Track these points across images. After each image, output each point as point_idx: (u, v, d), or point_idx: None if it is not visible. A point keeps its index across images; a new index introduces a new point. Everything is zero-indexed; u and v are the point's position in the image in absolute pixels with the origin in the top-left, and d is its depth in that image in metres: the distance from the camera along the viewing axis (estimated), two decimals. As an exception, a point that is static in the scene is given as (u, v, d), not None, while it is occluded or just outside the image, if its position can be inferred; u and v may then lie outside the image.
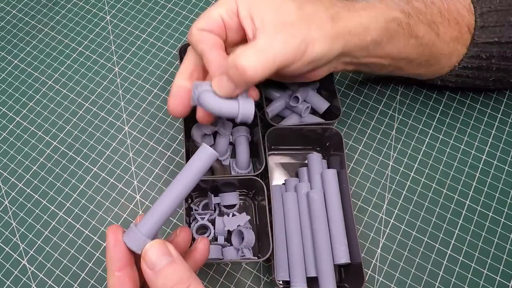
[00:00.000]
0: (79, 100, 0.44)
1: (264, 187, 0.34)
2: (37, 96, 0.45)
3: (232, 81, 0.29)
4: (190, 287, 0.23)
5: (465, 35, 0.34)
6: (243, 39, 0.32)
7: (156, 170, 0.41)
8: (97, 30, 0.48)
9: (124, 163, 0.41)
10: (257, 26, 0.29)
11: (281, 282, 0.35)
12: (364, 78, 0.44)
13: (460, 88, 0.42)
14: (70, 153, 0.42)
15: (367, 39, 0.31)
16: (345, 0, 0.32)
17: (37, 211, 0.39)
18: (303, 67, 0.31)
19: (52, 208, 0.39)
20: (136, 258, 0.25)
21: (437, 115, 0.42)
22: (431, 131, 0.41)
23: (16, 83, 0.45)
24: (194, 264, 0.28)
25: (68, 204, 0.39)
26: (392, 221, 0.38)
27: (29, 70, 0.46)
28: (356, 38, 0.31)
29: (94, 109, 0.44)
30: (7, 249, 0.38)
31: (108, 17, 0.49)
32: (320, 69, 0.34)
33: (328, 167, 0.38)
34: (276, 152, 0.40)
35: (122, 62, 0.46)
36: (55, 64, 0.46)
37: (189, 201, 0.36)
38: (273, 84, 0.42)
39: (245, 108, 0.30)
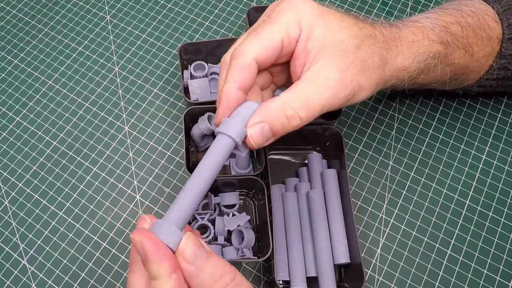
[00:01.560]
0: (79, 100, 0.44)
1: (264, 187, 0.34)
2: (37, 96, 0.45)
3: (272, 132, 0.27)
4: (236, 275, 0.22)
5: (496, 48, 0.34)
6: (283, 64, 0.30)
7: (156, 170, 0.41)
8: (97, 30, 0.48)
9: (124, 163, 0.41)
10: (309, 61, 0.28)
11: (281, 282, 0.35)
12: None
13: (480, 95, 0.42)
14: (70, 153, 0.42)
15: (405, 77, 0.31)
16: (393, 28, 0.31)
17: (37, 211, 0.39)
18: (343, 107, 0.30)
19: (52, 208, 0.39)
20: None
21: (437, 115, 0.42)
22: (431, 131, 0.41)
23: (16, 83, 0.45)
24: None
25: (68, 204, 0.39)
26: (392, 221, 0.38)
27: (29, 70, 0.46)
28: (395, 79, 0.31)
29: (94, 109, 0.44)
30: (7, 249, 0.38)
31: (108, 17, 0.49)
32: None
33: (328, 167, 0.38)
34: (276, 152, 0.40)
35: (122, 62, 0.46)
36: (55, 64, 0.46)
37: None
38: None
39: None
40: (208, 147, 0.39)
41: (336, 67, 0.27)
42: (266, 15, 0.30)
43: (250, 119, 0.27)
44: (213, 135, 0.40)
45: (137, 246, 0.22)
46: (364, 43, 0.28)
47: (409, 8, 0.48)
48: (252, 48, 0.27)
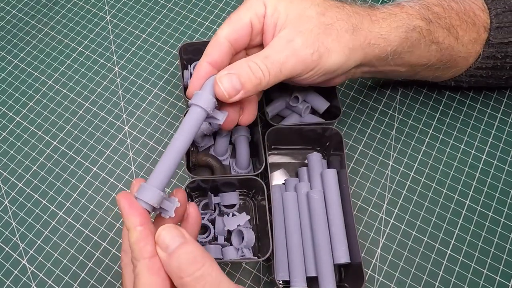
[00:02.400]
0: (79, 100, 0.44)
1: (264, 187, 0.34)
2: (37, 96, 0.45)
3: (240, 81, 0.29)
4: (204, 265, 0.23)
5: (482, 35, 0.34)
6: (261, 45, 0.33)
7: (156, 170, 0.40)
8: (97, 30, 0.48)
9: (124, 163, 0.41)
10: (277, 31, 0.30)
11: (281, 282, 0.35)
12: (373, 82, 0.44)
13: (472, 87, 0.42)
14: (70, 153, 0.42)
15: (387, 49, 0.31)
16: (367, 7, 0.32)
17: (37, 211, 0.39)
18: (316, 77, 0.31)
19: (52, 208, 0.39)
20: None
21: (437, 115, 0.42)
22: (431, 131, 0.41)
23: (16, 83, 0.45)
24: (191, 230, 0.28)
25: (68, 204, 0.39)
26: (392, 221, 0.38)
27: (29, 70, 0.46)
28: (376, 49, 0.31)
29: (94, 109, 0.44)
30: (7, 249, 0.38)
31: (108, 17, 0.49)
32: (337, 78, 0.34)
33: (328, 167, 0.38)
34: (276, 152, 0.40)
35: (122, 62, 0.46)
36: (55, 64, 0.46)
37: (189, 201, 0.36)
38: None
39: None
40: (209, 147, 0.40)
41: (297, 31, 0.29)
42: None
43: (220, 71, 0.30)
44: (213, 135, 0.40)
45: (118, 205, 0.25)
46: (328, 11, 0.30)
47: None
48: (223, 30, 0.31)
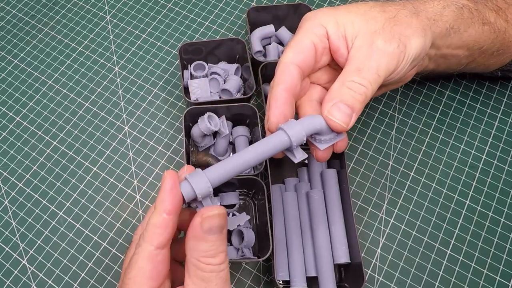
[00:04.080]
0: (79, 100, 0.44)
1: (264, 187, 0.34)
2: (37, 96, 0.45)
3: (348, 106, 0.29)
4: (223, 264, 0.24)
5: None
6: (331, 61, 0.33)
7: (156, 170, 0.41)
8: (97, 30, 0.48)
9: (124, 163, 0.41)
10: (350, 42, 0.30)
11: (281, 282, 0.35)
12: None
13: None
14: (70, 153, 0.42)
15: (447, 25, 0.32)
16: None
17: (37, 211, 0.39)
18: (406, 68, 0.31)
19: (52, 208, 0.39)
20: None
21: (437, 115, 0.42)
22: (431, 131, 0.41)
23: (16, 83, 0.45)
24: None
25: (68, 204, 0.39)
26: (392, 221, 0.38)
27: (29, 70, 0.46)
28: (439, 26, 0.32)
29: (94, 109, 0.44)
30: (7, 249, 0.38)
31: (108, 17, 0.49)
32: (411, 70, 0.34)
33: (328, 167, 0.38)
34: (276, 152, 0.40)
35: (122, 62, 0.46)
36: (55, 64, 0.46)
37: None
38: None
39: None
40: (209, 147, 0.40)
41: (372, 33, 0.30)
42: None
43: (323, 106, 0.29)
44: (213, 135, 0.40)
45: (162, 181, 0.24)
46: (385, 7, 0.31)
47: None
48: (287, 55, 0.31)
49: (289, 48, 0.31)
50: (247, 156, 0.26)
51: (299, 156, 0.28)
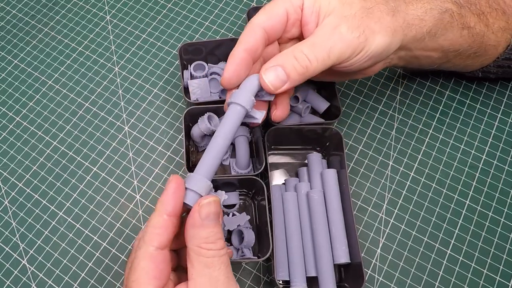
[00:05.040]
0: (79, 100, 0.44)
1: (264, 187, 0.34)
2: (37, 96, 0.45)
3: (285, 72, 0.30)
4: (223, 249, 0.25)
5: (511, 26, 0.35)
6: (300, 35, 0.33)
7: (156, 170, 0.41)
8: (97, 30, 0.48)
9: (124, 163, 0.41)
10: (321, 20, 0.30)
11: (281, 282, 0.35)
12: (373, 82, 0.44)
13: (500, 78, 0.42)
14: (70, 153, 0.42)
15: (423, 30, 0.32)
16: None
17: (37, 211, 0.39)
18: (362, 62, 0.31)
19: (52, 208, 0.39)
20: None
21: (437, 115, 0.42)
22: (431, 131, 0.41)
23: (16, 83, 0.45)
24: None
25: (68, 204, 0.39)
26: (392, 221, 0.38)
27: (29, 70, 0.46)
28: (413, 30, 0.32)
29: (94, 109, 0.44)
30: (7, 249, 0.38)
31: (108, 17, 0.49)
32: (377, 64, 0.34)
33: (328, 167, 0.38)
34: (276, 152, 0.40)
35: (122, 62, 0.46)
36: (55, 64, 0.46)
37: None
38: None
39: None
40: (204, 149, 0.40)
41: (341, 16, 0.30)
42: None
43: (264, 65, 0.30)
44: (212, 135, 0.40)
45: (166, 185, 0.25)
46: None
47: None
48: (258, 17, 0.31)
49: (262, 10, 0.32)
50: (221, 141, 0.28)
51: (258, 116, 0.30)
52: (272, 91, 0.30)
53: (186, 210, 0.26)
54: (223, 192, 0.28)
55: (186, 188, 0.26)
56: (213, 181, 0.35)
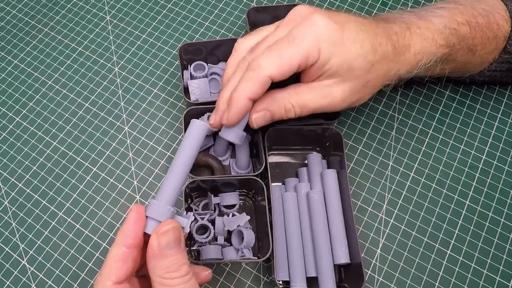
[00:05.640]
0: (79, 100, 0.44)
1: (264, 187, 0.34)
2: (37, 96, 0.45)
3: (271, 117, 0.33)
4: (187, 274, 0.24)
5: (500, 45, 0.35)
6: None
7: (156, 170, 0.41)
8: (97, 30, 0.48)
9: (124, 163, 0.41)
10: (321, 78, 0.32)
11: (281, 282, 0.35)
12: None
13: (486, 83, 0.43)
14: (70, 153, 0.42)
15: (412, 71, 0.34)
16: (404, 26, 0.33)
17: (37, 211, 0.39)
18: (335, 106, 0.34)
19: (52, 208, 0.39)
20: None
21: (437, 115, 0.42)
22: (431, 131, 0.41)
23: (16, 83, 0.45)
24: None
25: (68, 204, 0.39)
26: (392, 221, 0.38)
27: (29, 70, 0.46)
28: (405, 71, 0.34)
29: (94, 109, 0.44)
30: (7, 249, 0.38)
31: (108, 17, 0.49)
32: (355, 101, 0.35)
33: (328, 167, 0.38)
34: (276, 152, 0.40)
35: (122, 62, 0.46)
36: (55, 64, 0.46)
37: (189, 201, 0.36)
38: (272, 84, 0.42)
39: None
40: (208, 147, 0.40)
41: (341, 88, 0.32)
42: (288, 27, 0.32)
43: (255, 105, 0.32)
44: (212, 136, 0.40)
45: (127, 214, 0.25)
46: (374, 67, 0.32)
47: (409, 8, 0.48)
48: (270, 66, 0.30)
49: (278, 58, 0.30)
50: (181, 162, 0.26)
51: (232, 134, 0.32)
52: (253, 127, 0.33)
53: (148, 239, 0.25)
54: (190, 213, 0.26)
55: (146, 217, 0.25)
56: (213, 181, 0.35)
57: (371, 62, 0.31)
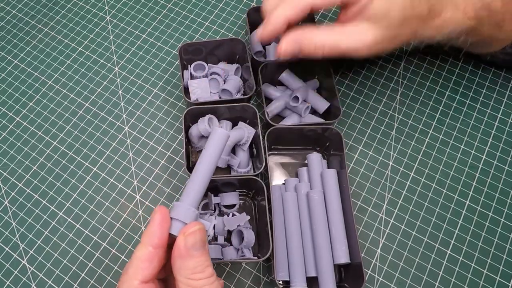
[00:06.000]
0: (79, 100, 0.44)
1: (264, 187, 0.34)
2: (37, 96, 0.45)
3: (301, 49, 0.34)
4: (212, 276, 0.25)
5: None
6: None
7: (156, 170, 0.41)
8: (97, 30, 0.48)
9: (124, 163, 0.41)
10: (359, 18, 0.33)
11: (281, 282, 0.35)
12: (373, 82, 0.44)
13: (505, 66, 0.43)
14: (70, 153, 0.42)
15: (436, 37, 0.35)
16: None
17: (37, 211, 0.39)
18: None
19: (52, 208, 0.39)
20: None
21: (437, 115, 0.42)
22: (431, 131, 0.41)
23: (16, 83, 0.45)
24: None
25: (68, 204, 0.39)
26: (392, 221, 0.38)
27: (29, 70, 0.46)
28: (430, 34, 0.35)
29: (94, 109, 0.44)
30: (7, 249, 0.38)
31: (108, 17, 0.49)
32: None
33: (328, 167, 0.38)
34: (276, 152, 0.40)
35: (122, 62, 0.46)
36: (55, 64, 0.46)
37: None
38: (273, 84, 0.42)
39: None
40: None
41: (374, 33, 0.33)
42: None
43: (288, 33, 0.34)
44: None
45: (151, 216, 0.25)
46: (407, 22, 0.33)
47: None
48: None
49: None
50: (205, 166, 0.27)
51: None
52: (279, 54, 0.34)
53: (172, 240, 0.25)
54: (213, 217, 0.27)
55: (171, 218, 0.25)
56: (213, 181, 0.35)
57: (406, 16, 0.32)
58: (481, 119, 0.42)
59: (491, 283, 0.35)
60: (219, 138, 0.27)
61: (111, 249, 0.37)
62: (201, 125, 0.37)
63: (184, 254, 0.24)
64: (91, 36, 0.48)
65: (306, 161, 0.39)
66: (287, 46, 0.34)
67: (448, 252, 0.37)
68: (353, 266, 0.34)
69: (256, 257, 0.34)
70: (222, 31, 0.47)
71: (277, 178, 0.39)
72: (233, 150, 0.40)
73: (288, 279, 0.34)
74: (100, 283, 0.36)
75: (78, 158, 0.41)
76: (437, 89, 0.43)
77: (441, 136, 0.41)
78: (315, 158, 0.38)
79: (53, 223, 0.39)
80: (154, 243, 0.24)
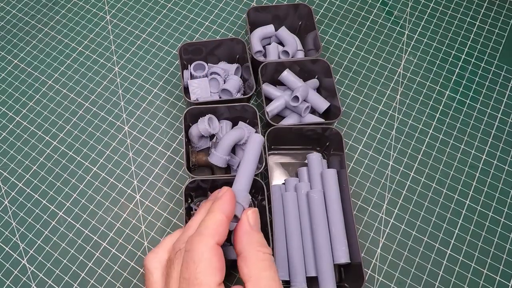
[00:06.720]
0: (79, 100, 0.44)
1: (264, 187, 0.34)
2: (37, 96, 0.45)
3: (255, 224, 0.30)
4: (271, 254, 0.26)
5: None
6: None
7: (156, 170, 0.41)
8: (97, 30, 0.48)
9: (124, 163, 0.41)
10: None
11: (281, 282, 0.35)
12: (373, 82, 0.44)
13: None
14: (70, 153, 0.42)
15: None
16: None
17: (37, 211, 0.39)
18: None
19: (52, 208, 0.39)
20: None
21: (437, 115, 0.42)
22: (431, 131, 0.41)
23: (16, 83, 0.45)
24: None
25: (68, 204, 0.39)
26: (392, 221, 0.38)
27: (29, 70, 0.46)
28: None
29: (94, 109, 0.44)
30: (7, 249, 0.38)
31: (108, 17, 0.49)
32: None
33: (328, 167, 0.38)
34: (276, 152, 0.40)
35: (122, 62, 0.46)
36: (55, 64, 0.46)
37: (189, 201, 0.36)
38: (273, 83, 0.42)
39: None
40: (208, 148, 0.40)
41: None
42: None
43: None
44: (210, 137, 0.40)
45: (222, 192, 0.27)
46: None
47: (409, 8, 0.48)
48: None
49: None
50: (252, 160, 0.29)
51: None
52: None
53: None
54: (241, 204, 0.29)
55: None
56: (213, 181, 0.35)
57: None
58: (481, 119, 0.42)
59: (491, 283, 0.35)
60: (254, 142, 0.30)
61: (111, 249, 0.37)
62: (201, 125, 0.37)
63: (250, 230, 0.26)
64: (91, 36, 0.48)
65: (306, 161, 0.39)
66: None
67: (448, 252, 0.37)
68: (353, 266, 0.34)
69: (256, 257, 0.34)
70: (222, 31, 0.47)
71: (277, 178, 0.39)
72: (233, 150, 0.40)
73: (288, 279, 0.34)
74: (100, 283, 0.36)
75: (78, 158, 0.41)
76: (437, 89, 0.43)
77: (441, 136, 0.41)
78: (315, 158, 0.38)
79: (53, 223, 0.39)
80: (227, 213, 0.26)
